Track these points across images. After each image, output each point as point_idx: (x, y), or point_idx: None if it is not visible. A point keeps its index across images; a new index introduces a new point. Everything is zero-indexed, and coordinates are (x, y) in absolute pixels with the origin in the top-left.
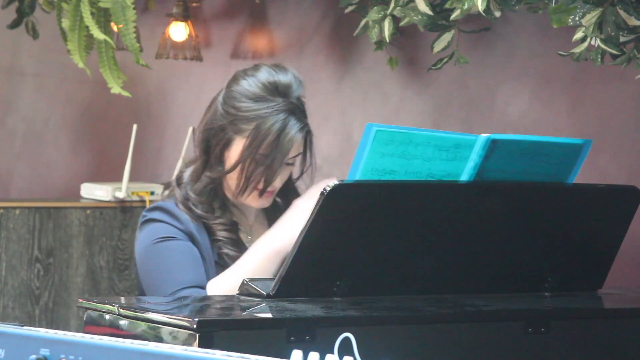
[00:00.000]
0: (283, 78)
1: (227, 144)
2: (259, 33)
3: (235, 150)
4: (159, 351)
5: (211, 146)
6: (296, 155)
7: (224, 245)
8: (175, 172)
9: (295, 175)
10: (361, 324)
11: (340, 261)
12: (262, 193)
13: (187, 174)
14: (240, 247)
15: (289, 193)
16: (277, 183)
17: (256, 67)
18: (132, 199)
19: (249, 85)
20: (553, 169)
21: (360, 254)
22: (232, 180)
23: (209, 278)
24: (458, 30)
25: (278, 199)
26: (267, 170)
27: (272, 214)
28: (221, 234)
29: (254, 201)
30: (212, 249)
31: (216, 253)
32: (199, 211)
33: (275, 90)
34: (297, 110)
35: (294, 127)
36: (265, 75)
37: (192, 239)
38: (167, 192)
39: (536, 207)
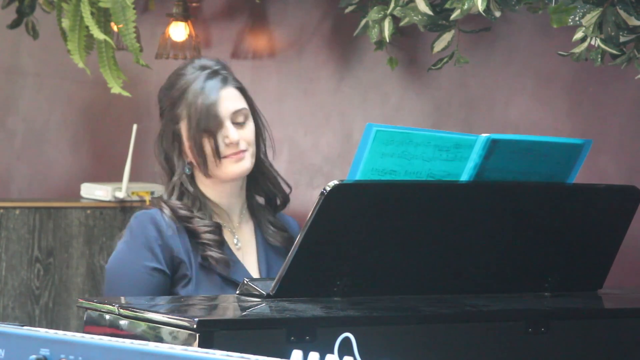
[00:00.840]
0: (197, 61)
1: (177, 138)
2: (259, 33)
3: (185, 137)
4: (159, 351)
5: (167, 150)
6: (239, 110)
7: (208, 248)
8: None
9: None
10: (361, 324)
11: (340, 261)
12: (218, 155)
13: (164, 197)
14: (225, 249)
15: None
16: (233, 137)
17: (175, 69)
18: (132, 199)
19: (171, 77)
20: (553, 169)
21: (360, 254)
22: (198, 165)
23: (191, 279)
24: (458, 30)
25: (260, 197)
26: (209, 129)
27: (256, 212)
28: (205, 237)
29: (228, 169)
30: (195, 251)
31: (200, 255)
32: (184, 212)
33: (193, 69)
34: (218, 73)
35: (214, 81)
36: (181, 66)
37: (166, 246)
38: (149, 205)
39: (536, 207)
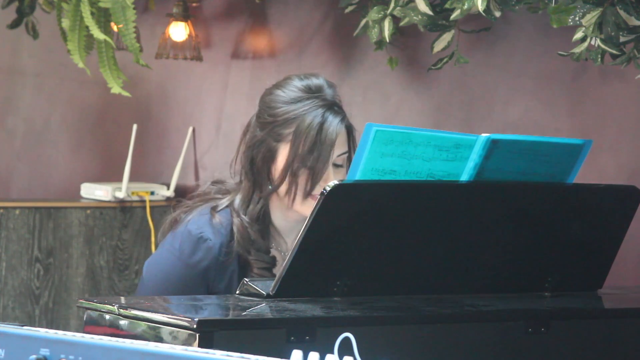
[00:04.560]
0: (315, 80)
1: (271, 156)
2: (259, 33)
3: (281, 160)
4: (159, 351)
5: (257, 164)
6: (342, 154)
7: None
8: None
9: None
10: (361, 324)
11: (340, 261)
12: (308, 194)
13: (237, 202)
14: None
15: None
16: (333, 183)
17: (286, 78)
18: (132, 199)
19: (282, 92)
20: (553, 169)
21: (360, 254)
22: (282, 193)
23: None
24: (458, 30)
25: None
26: (314, 169)
27: None
28: (256, 272)
29: (308, 209)
30: (239, 278)
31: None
32: (253, 236)
33: (309, 90)
34: (335, 106)
35: (334, 120)
36: (296, 80)
37: (208, 276)
38: (217, 219)
39: (536, 207)
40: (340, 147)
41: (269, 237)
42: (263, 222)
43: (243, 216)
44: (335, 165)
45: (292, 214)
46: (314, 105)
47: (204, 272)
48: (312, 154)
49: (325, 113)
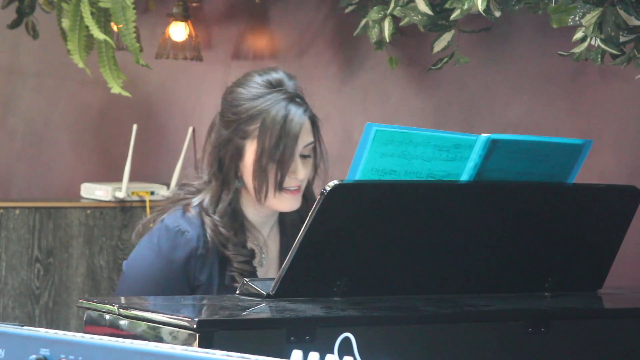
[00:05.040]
0: (274, 74)
1: (238, 154)
2: (260, 33)
3: (249, 157)
4: (159, 351)
5: (224, 163)
6: (309, 145)
7: (238, 278)
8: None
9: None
10: (361, 324)
11: (340, 261)
12: (279, 187)
13: (206, 200)
14: (252, 274)
15: (306, 199)
16: (300, 175)
17: (246, 74)
18: (132, 199)
19: (243, 89)
20: (553, 169)
21: (360, 254)
22: (253, 189)
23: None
24: (458, 30)
25: (297, 215)
26: (282, 161)
27: (287, 228)
28: (237, 266)
29: (282, 203)
30: (221, 275)
31: (228, 281)
32: (226, 233)
33: (270, 84)
34: (297, 98)
35: (297, 111)
36: (256, 77)
37: (189, 268)
38: (188, 215)
39: (536, 207)
40: (305, 138)
41: (244, 231)
42: (235, 218)
43: (213, 215)
44: (303, 156)
45: (264, 209)
46: (276, 99)
47: (184, 265)
48: (278, 148)
49: (287, 105)
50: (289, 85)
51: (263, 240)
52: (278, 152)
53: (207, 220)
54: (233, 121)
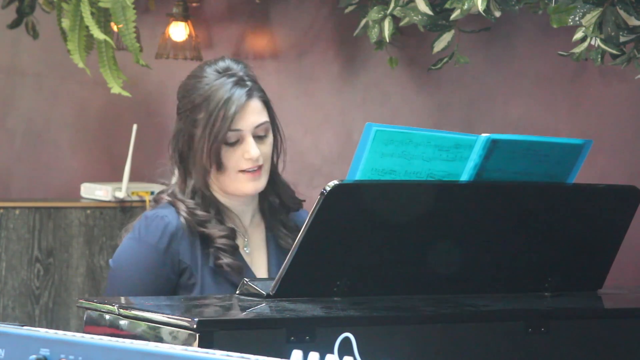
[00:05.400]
0: (221, 62)
1: (192, 142)
2: (260, 33)
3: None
4: (159, 351)
5: (182, 152)
6: (261, 125)
7: (222, 254)
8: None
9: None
10: (361, 324)
11: (340, 261)
12: (235, 170)
13: (175, 189)
14: (236, 254)
15: (278, 188)
16: (253, 153)
17: (197, 67)
18: (132, 199)
19: (193, 80)
20: (553, 169)
21: (360, 254)
22: (214, 175)
23: (196, 285)
24: (458, 30)
25: (273, 199)
26: (230, 142)
27: (268, 215)
28: (219, 242)
29: (243, 185)
30: (205, 256)
31: (212, 260)
32: (201, 213)
33: (217, 72)
34: (243, 81)
35: (241, 93)
36: (205, 67)
37: (173, 251)
38: (161, 203)
39: (536, 207)
40: (256, 117)
41: (221, 214)
42: (209, 204)
43: (185, 199)
44: (258, 137)
45: (235, 196)
46: (221, 83)
47: (167, 248)
48: (224, 131)
49: (232, 89)
50: (236, 69)
51: (244, 227)
52: (222, 135)
53: (179, 204)
54: (186, 110)
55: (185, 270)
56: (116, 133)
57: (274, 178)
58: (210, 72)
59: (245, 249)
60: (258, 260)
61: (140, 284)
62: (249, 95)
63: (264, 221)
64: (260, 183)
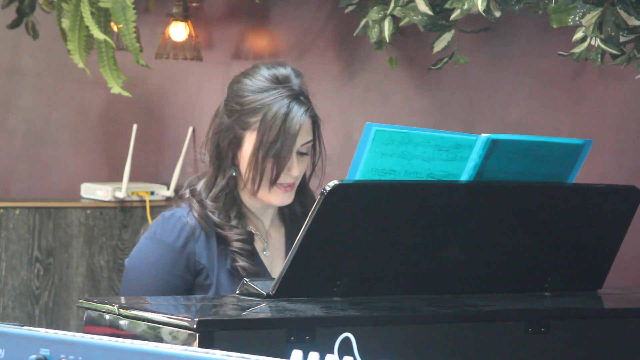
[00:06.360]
0: (282, 69)
1: (237, 143)
2: (260, 33)
3: (247, 147)
4: (159, 351)
5: (222, 150)
6: (307, 143)
7: (239, 257)
8: (175, 176)
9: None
10: (361, 324)
11: (340, 261)
12: (273, 182)
13: (200, 184)
14: (255, 258)
15: (303, 194)
16: (295, 171)
17: (255, 66)
18: (132, 199)
19: (250, 80)
20: (553, 169)
21: (360, 254)
22: (248, 180)
23: (212, 285)
24: (458, 30)
25: (298, 208)
26: (279, 157)
27: (288, 219)
28: (236, 245)
29: (274, 197)
30: (221, 260)
31: (229, 263)
32: (215, 218)
33: (276, 80)
34: (301, 96)
35: (299, 110)
36: (264, 70)
37: (189, 252)
38: (180, 201)
39: (536, 207)
40: (304, 137)
41: (243, 217)
42: (232, 204)
43: (205, 199)
44: (300, 154)
45: (258, 201)
46: (280, 95)
47: (183, 248)
48: (276, 144)
49: (290, 103)
50: (295, 83)
51: (264, 229)
52: (275, 149)
53: (194, 204)
54: (236, 111)
55: (201, 271)
56: (116, 133)
57: (302, 188)
58: (268, 77)
59: (264, 252)
60: (277, 264)
61: (155, 284)
62: (305, 114)
63: (284, 225)
64: (290, 197)
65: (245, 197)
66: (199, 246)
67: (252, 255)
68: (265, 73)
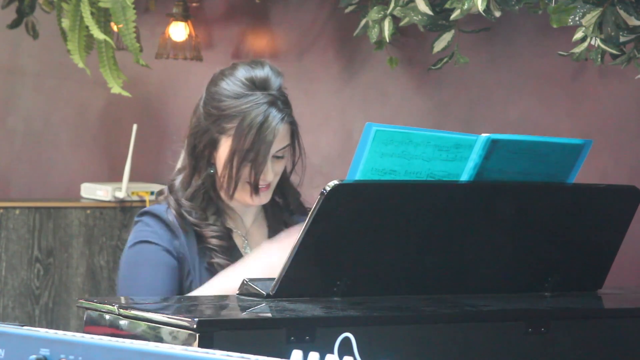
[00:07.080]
0: (260, 72)
1: (213, 145)
2: (260, 33)
3: (223, 150)
4: (159, 351)
5: (198, 149)
6: (284, 147)
7: (215, 255)
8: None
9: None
10: (361, 324)
11: (340, 261)
12: (255, 189)
13: (178, 182)
14: (234, 254)
15: (286, 190)
16: (269, 176)
17: (233, 66)
18: (132, 199)
19: (227, 84)
20: (553, 169)
21: (360, 254)
22: (224, 182)
23: (195, 286)
24: (458, 30)
25: (278, 199)
26: (254, 164)
27: (271, 216)
28: (212, 242)
29: (250, 199)
30: (201, 256)
31: (206, 261)
32: (191, 218)
33: (254, 85)
34: (278, 102)
35: (275, 119)
36: (242, 72)
37: (172, 246)
38: (160, 197)
39: (536, 207)
40: (280, 143)
41: (222, 214)
42: (209, 203)
43: (181, 198)
44: (276, 157)
45: (235, 201)
46: (256, 102)
47: (169, 245)
48: (251, 152)
49: (267, 110)
50: (274, 86)
51: (244, 226)
52: (250, 156)
53: (171, 202)
54: (213, 114)
55: (184, 262)
56: (116, 133)
57: (284, 183)
58: (245, 82)
59: (245, 249)
60: None
61: (152, 279)
62: (282, 120)
63: (267, 221)
64: (267, 197)
65: (223, 194)
66: (178, 236)
67: (230, 251)
68: (242, 76)
